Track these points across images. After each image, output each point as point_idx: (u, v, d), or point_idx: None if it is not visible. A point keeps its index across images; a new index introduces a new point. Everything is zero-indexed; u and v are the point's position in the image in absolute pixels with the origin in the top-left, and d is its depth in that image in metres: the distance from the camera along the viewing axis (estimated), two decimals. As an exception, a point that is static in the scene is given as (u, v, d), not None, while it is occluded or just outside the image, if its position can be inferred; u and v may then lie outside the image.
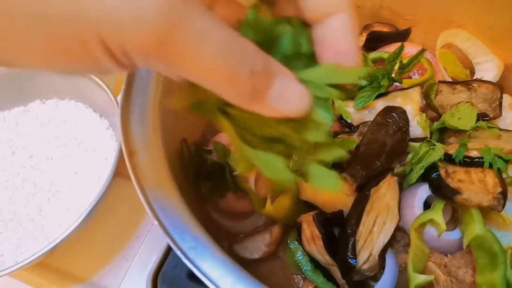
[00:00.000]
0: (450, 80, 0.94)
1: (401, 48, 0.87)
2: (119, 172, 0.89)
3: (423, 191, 0.78)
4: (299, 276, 0.78)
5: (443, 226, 0.70)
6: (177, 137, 0.80)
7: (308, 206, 0.79)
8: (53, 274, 0.99)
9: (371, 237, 0.74)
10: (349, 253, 0.70)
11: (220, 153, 0.83)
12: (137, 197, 1.09)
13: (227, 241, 0.86)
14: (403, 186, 0.81)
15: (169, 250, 0.98)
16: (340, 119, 0.91)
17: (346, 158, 0.73)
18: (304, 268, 0.74)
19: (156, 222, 0.49)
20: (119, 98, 0.61)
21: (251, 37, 0.36)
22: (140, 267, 0.97)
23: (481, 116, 0.83)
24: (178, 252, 0.48)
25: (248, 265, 0.83)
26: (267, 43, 0.39)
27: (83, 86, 1.06)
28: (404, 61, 0.89)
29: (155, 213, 0.50)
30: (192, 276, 0.93)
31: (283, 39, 0.40)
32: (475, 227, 0.69)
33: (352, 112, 0.91)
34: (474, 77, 0.98)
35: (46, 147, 1.06)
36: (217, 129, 0.93)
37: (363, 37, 1.04)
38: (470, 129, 0.77)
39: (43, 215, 0.96)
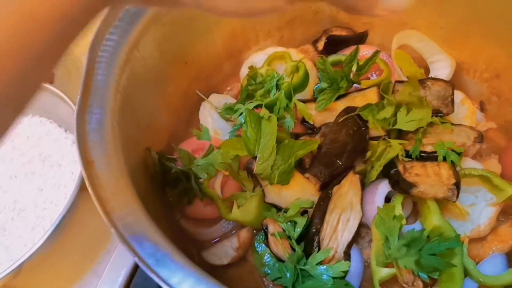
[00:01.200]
0: (406, 79, 0.98)
1: (356, 50, 0.90)
2: (86, 186, 0.88)
3: (384, 187, 0.80)
4: (268, 279, 0.79)
5: (403, 219, 0.72)
6: (141, 146, 0.80)
7: (273, 208, 0.80)
8: (20, 296, 0.97)
9: (336, 234, 0.76)
10: (314, 252, 0.71)
11: (184, 160, 0.84)
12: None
13: (196, 248, 0.86)
14: (364, 183, 0.83)
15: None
16: (303, 121, 0.93)
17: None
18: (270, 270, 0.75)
19: (113, 230, 0.49)
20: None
21: None
22: (110, 281, 0.96)
23: (435, 113, 0.86)
24: (136, 259, 0.48)
25: (217, 271, 0.84)
26: None
27: (46, 100, 1.05)
28: (361, 63, 0.92)
29: (111, 221, 0.50)
30: (163, 286, 0.92)
31: None
32: (433, 218, 0.71)
33: (314, 114, 0.94)
34: (429, 76, 1.02)
35: (9, 165, 1.04)
36: (182, 137, 0.94)
37: (323, 41, 1.06)
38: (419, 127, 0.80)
39: (7, 235, 0.94)
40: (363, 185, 0.82)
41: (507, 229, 0.79)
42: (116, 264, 0.96)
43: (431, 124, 0.84)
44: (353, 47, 1.04)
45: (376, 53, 0.89)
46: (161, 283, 0.46)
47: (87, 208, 0.94)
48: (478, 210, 0.78)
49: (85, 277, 0.98)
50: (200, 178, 0.83)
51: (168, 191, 0.88)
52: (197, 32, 0.97)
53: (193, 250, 0.85)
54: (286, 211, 0.76)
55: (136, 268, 0.95)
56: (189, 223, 0.89)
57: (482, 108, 1.01)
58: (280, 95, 0.89)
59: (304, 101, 0.94)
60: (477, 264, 0.75)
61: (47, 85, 1.05)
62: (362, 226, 0.81)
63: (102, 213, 0.50)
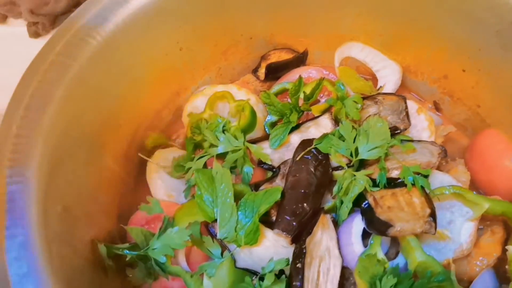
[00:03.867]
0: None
1: (299, 81, 0.85)
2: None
3: (358, 225, 0.75)
4: None
5: (386, 263, 0.67)
6: (84, 239, 0.71)
7: (248, 277, 0.73)
8: None
9: (319, 290, 0.70)
10: (300, 319, 0.65)
11: (139, 239, 0.75)
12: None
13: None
14: (337, 221, 0.78)
15: None
16: (260, 163, 0.86)
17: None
18: None
19: None
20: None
21: None
22: None
23: (393, 130, 0.82)
24: None
25: None
26: None
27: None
28: (308, 90, 0.86)
29: None
30: None
31: None
32: (415, 255, 0.67)
33: (270, 153, 0.87)
34: (378, 86, 0.98)
35: None
36: (132, 209, 0.84)
37: (263, 69, 1.00)
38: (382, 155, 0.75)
39: None
40: (336, 224, 0.77)
41: (488, 239, 0.76)
42: None
43: (392, 146, 0.80)
44: (295, 71, 1.00)
45: (321, 80, 0.84)
46: None
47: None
48: (457, 227, 0.75)
49: None
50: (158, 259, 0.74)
51: (129, 273, 0.78)
52: (122, 89, 0.87)
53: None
54: (261, 278, 0.69)
55: None
56: (159, 302, 0.81)
57: (437, 108, 0.99)
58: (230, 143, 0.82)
59: (256, 141, 0.87)
60: (468, 285, 0.71)
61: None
62: (344, 268, 0.75)
63: None
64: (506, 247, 0.72)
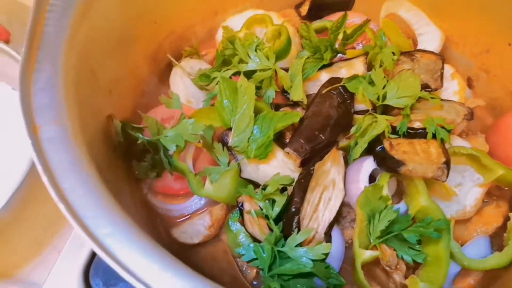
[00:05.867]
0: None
1: (344, 17, 0.83)
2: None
3: (368, 165, 0.75)
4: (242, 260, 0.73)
5: (389, 200, 0.67)
6: (102, 112, 0.71)
7: (249, 185, 0.73)
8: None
9: (317, 214, 0.70)
10: (293, 233, 0.66)
11: (153, 129, 0.75)
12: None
13: (164, 227, 0.79)
14: (348, 160, 0.78)
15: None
16: (283, 91, 0.86)
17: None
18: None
19: (62, 206, 0.41)
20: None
21: None
22: (71, 257, 0.87)
23: (424, 87, 0.81)
24: (90, 241, 0.40)
25: (188, 251, 0.77)
26: None
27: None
28: (348, 31, 0.85)
29: (59, 194, 0.42)
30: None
31: None
32: (420, 199, 0.67)
33: (296, 84, 0.86)
34: (417, 48, 0.96)
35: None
36: (149, 105, 0.85)
37: (306, 6, 0.98)
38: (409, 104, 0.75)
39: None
40: (346, 163, 0.77)
41: (492, 210, 0.76)
42: (78, 240, 0.88)
43: (419, 100, 0.79)
44: (338, 14, 0.98)
45: (366, 21, 0.83)
46: (119, 270, 0.39)
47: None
48: (464, 191, 0.74)
49: (44, 253, 0.90)
50: (169, 150, 0.75)
51: (134, 164, 0.79)
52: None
53: (160, 228, 0.78)
54: (264, 188, 0.70)
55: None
56: (157, 199, 0.82)
57: (469, 85, 0.97)
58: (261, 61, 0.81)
59: (285, 70, 0.86)
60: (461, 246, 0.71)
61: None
62: (344, 205, 0.76)
63: (49, 186, 0.42)
64: (510, 214, 0.72)
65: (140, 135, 0.74)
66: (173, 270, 0.42)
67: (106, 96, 0.72)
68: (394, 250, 0.67)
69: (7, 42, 1.15)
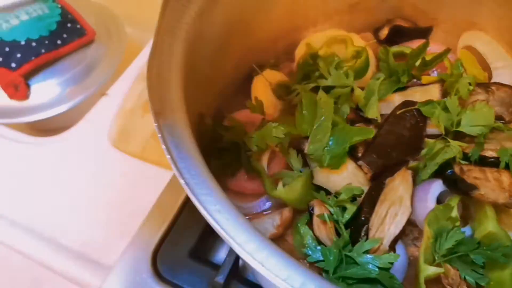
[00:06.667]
0: (469, 81, 0.94)
1: (425, 45, 0.87)
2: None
3: (436, 187, 0.78)
4: (306, 261, 0.77)
5: (458, 222, 0.70)
6: (192, 109, 0.79)
7: (321, 191, 0.78)
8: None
9: (383, 227, 0.74)
10: (361, 240, 0.70)
11: (238, 131, 0.82)
12: (136, 170, 1.07)
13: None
14: (416, 180, 0.81)
15: (170, 227, 0.97)
16: (357, 109, 0.90)
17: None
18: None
19: (182, 181, 0.48)
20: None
21: None
22: (139, 244, 0.95)
23: (497, 119, 0.83)
24: (205, 213, 0.47)
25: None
26: None
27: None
28: (427, 58, 0.89)
29: (179, 172, 0.49)
30: (194, 255, 0.92)
31: None
32: (489, 224, 0.69)
33: (369, 104, 0.91)
34: (492, 81, 0.98)
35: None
36: (234, 106, 0.92)
37: (385, 31, 1.03)
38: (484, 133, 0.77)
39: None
40: (414, 183, 0.80)
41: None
42: (148, 227, 0.95)
43: (492, 130, 0.81)
44: (416, 41, 1.02)
45: (446, 51, 0.86)
46: (229, 241, 0.45)
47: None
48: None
49: (112, 236, 0.98)
50: (249, 151, 0.82)
51: (212, 162, 0.86)
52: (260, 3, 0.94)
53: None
54: (336, 195, 0.74)
55: (167, 232, 0.95)
56: (228, 196, 0.88)
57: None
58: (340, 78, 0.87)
59: (361, 89, 0.91)
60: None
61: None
62: (407, 223, 0.78)
63: (172, 163, 0.50)
64: None
65: (226, 134, 0.81)
66: (268, 250, 0.47)
67: (199, 94, 0.79)
68: (457, 270, 0.69)
69: (92, 41, 1.27)
